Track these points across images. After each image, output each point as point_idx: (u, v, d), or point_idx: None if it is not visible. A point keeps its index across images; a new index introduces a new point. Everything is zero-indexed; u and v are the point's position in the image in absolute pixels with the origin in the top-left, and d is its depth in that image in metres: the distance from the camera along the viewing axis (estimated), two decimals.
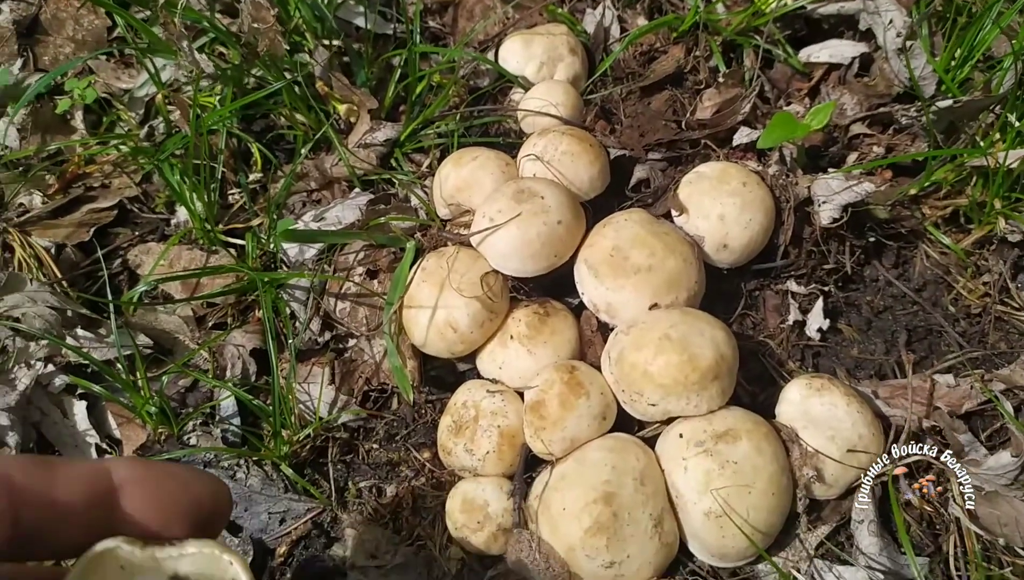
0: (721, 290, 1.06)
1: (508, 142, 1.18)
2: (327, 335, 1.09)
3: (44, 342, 1.02)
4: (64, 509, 0.47)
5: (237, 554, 0.50)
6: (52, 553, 0.49)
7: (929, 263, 1.10)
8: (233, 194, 1.21)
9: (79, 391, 1.06)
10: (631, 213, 1.01)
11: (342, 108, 1.20)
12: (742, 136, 1.06)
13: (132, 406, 1.01)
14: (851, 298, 1.09)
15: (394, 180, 1.18)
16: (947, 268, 1.09)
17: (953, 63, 1.09)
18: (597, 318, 1.00)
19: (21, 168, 1.25)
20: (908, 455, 0.91)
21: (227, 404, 1.05)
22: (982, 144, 1.04)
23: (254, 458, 1.01)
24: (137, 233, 1.21)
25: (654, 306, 0.95)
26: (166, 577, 0.48)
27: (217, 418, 1.05)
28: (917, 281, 1.09)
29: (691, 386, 0.88)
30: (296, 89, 1.18)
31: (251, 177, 1.21)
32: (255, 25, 1.14)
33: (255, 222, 1.15)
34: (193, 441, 1.04)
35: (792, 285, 1.05)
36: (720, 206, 0.99)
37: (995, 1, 1.05)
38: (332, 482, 1.02)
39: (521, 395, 0.97)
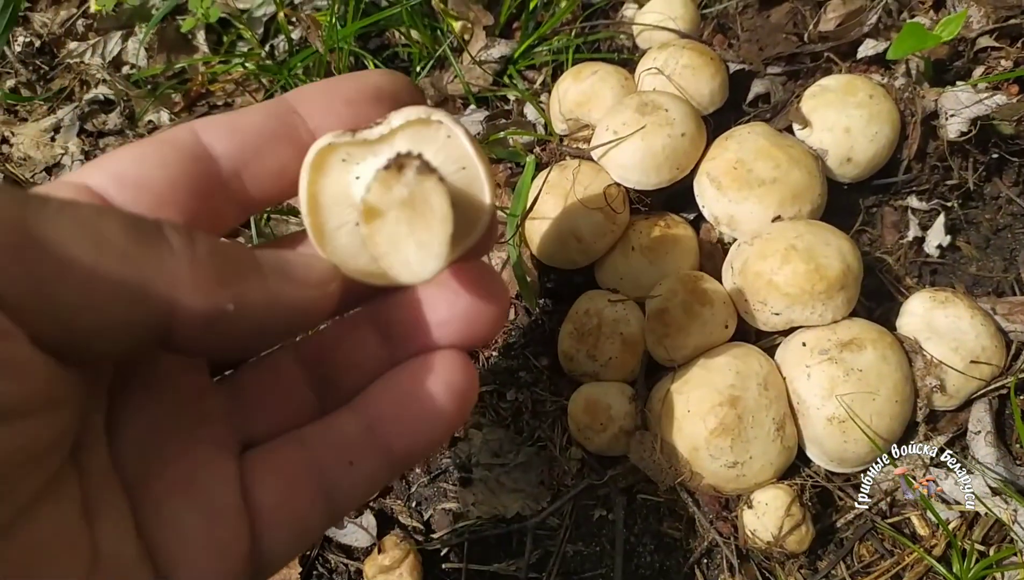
0: (839, 205, 1.06)
1: (622, 58, 1.19)
2: None
3: None
4: (254, 134, 0.49)
5: (444, 112, 0.49)
6: (261, 184, 0.51)
7: None
8: None
9: None
10: (754, 126, 1.02)
11: (456, 25, 1.21)
12: (867, 48, 1.05)
13: None
14: (970, 215, 1.08)
15: (509, 97, 1.20)
16: None
17: None
18: (717, 231, 1.01)
19: (149, 86, 1.31)
20: None
21: None
22: None
23: None
24: None
25: (777, 218, 0.96)
26: (386, 159, 0.47)
27: None
28: None
29: (817, 295, 0.90)
30: (414, 7, 1.20)
31: None
32: None
33: None
34: None
35: (913, 201, 1.05)
36: (846, 119, 0.99)
37: None
38: None
39: (641, 305, 1.00)
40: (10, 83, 1.34)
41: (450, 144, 0.49)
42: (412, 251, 0.47)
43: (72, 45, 1.33)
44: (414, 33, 1.22)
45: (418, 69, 1.20)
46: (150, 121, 1.28)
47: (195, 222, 0.47)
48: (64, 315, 0.36)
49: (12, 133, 1.27)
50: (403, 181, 0.46)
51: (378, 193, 0.47)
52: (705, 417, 0.88)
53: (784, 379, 0.92)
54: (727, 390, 0.89)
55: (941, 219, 1.04)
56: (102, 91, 1.30)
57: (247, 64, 1.26)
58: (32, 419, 0.36)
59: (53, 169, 1.23)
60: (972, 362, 0.90)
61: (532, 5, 1.21)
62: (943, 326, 0.92)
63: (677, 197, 1.06)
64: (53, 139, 1.26)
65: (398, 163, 0.46)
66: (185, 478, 0.47)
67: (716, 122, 1.08)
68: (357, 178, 0.50)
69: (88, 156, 1.24)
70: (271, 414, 0.53)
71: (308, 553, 0.99)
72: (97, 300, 0.37)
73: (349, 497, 0.53)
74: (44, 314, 0.35)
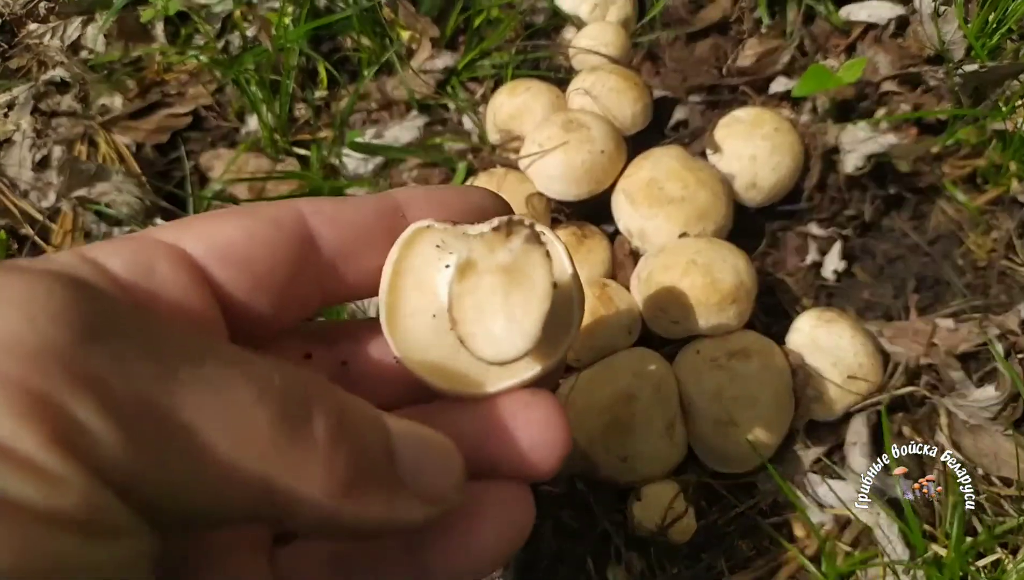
0: (747, 228, 1.14)
1: (559, 77, 1.26)
2: None
3: (127, 229, 1.13)
4: (359, 227, 0.48)
5: (547, 228, 0.47)
6: (355, 278, 0.49)
7: (944, 218, 1.17)
8: (300, 109, 1.30)
9: None
10: (669, 149, 1.09)
11: (405, 34, 1.28)
12: (779, 85, 1.14)
13: None
14: (867, 245, 1.17)
15: (449, 105, 1.26)
16: (960, 224, 1.16)
17: (985, 28, 1.15)
18: (630, 243, 1.09)
19: (106, 72, 1.35)
20: (902, 386, 1.00)
21: None
22: (1004, 109, 1.11)
23: None
24: (209, 139, 1.32)
25: (683, 235, 1.04)
26: (497, 221, 0.45)
27: None
28: (931, 234, 1.17)
29: (712, 307, 0.97)
30: (364, 14, 1.26)
31: (316, 94, 1.30)
32: None
33: (321, 135, 1.24)
34: None
35: (813, 228, 1.13)
36: (752, 148, 1.07)
37: None
38: None
39: None
40: None
41: (555, 269, 0.45)
42: (501, 324, 0.43)
43: (32, 26, 1.37)
44: (364, 39, 1.28)
45: (365, 73, 1.26)
46: (103, 105, 1.33)
47: (285, 304, 0.46)
48: (174, 493, 0.32)
49: None
50: (509, 245, 0.43)
51: (480, 252, 0.44)
52: (602, 412, 0.95)
53: (679, 383, 0.99)
54: (624, 389, 0.95)
55: (838, 246, 1.13)
56: (59, 73, 1.34)
57: (202, 57, 1.31)
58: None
59: (3, 144, 1.27)
60: (849, 377, 0.98)
61: (477, 22, 1.28)
62: (826, 343, 1.00)
63: (597, 210, 1.13)
64: (6, 115, 1.30)
65: (509, 226, 0.43)
66: None
67: (638, 143, 1.15)
68: (447, 266, 0.47)
69: (40, 134, 1.28)
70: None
71: None
72: (220, 489, 0.32)
73: None
74: (151, 485, 0.31)
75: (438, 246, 0.47)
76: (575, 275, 0.50)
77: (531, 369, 0.48)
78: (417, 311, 0.48)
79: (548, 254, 0.43)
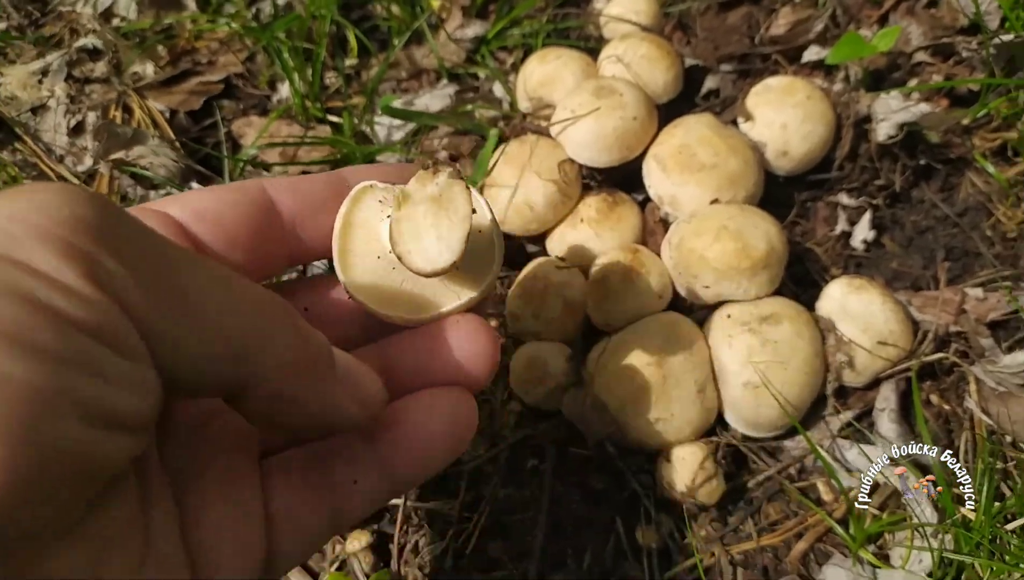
0: (776, 197, 1.14)
1: (589, 47, 1.26)
2: None
3: (163, 192, 1.15)
4: (312, 194, 0.61)
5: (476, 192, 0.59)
6: (311, 239, 0.61)
7: (973, 191, 1.17)
8: (330, 77, 1.31)
9: None
10: (700, 117, 1.10)
11: (435, 3, 1.29)
12: (811, 54, 1.14)
13: None
14: (896, 216, 1.17)
15: (480, 74, 1.27)
16: (989, 196, 1.16)
17: (1020, 0, 1.14)
18: (660, 210, 1.09)
19: (137, 39, 1.36)
20: (932, 354, 1.01)
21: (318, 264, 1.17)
22: None
23: None
24: (241, 107, 1.33)
25: (714, 201, 1.04)
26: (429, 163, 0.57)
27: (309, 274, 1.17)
28: (960, 206, 1.17)
29: (743, 272, 0.98)
30: None
31: (347, 63, 1.31)
32: None
33: (352, 102, 1.25)
34: None
35: (843, 197, 1.14)
36: (783, 116, 1.07)
37: None
38: None
39: (585, 273, 1.07)
40: (1, 25, 1.39)
41: (477, 214, 0.57)
42: (432, 242, 0.54)
43: None
44: (394, 7, 1.29)
45: (395, 42, 1.27)
46: (135, 72, 1.34)
47: (254, 262, 0.56)
48: (175, 340, 0.40)
49: (1, 73, 1.32)
50: (436, 181, 0.55)
51: (414, 186, 0.56)
52: (633, 374, 0.96)
53: (709, 347, 1.00)
54: (655, 351, 0.96)
55: (868, 216, 1.13)
56: (91, 40, 1.36)
57: (232, 24, 1.32)
58: (140, 435, 0.40)
59: (39, 110, 1.28)
60: (879, 343, 0.99)
61: None
62: (856, 309, 1.01)
63: (628, 178, 1.14)
64: (40, 82, 1.31)
65: (435, 166, 0.56)
66: (221, 483, 0.51)
67: (669, 112, 1.16)
68: (388, 217, 0.58)
69: (73, 100, 1.29)
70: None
71: None
72: (209, 342, 0.42)
73: (351, 513, 0.58)
74: (157, 330, 0.40)
75: (380, 201, 0.60)
76: (494, 221, 0.61)
77: (459, 299, 0.60)
78: (364, 254, 0.59)
79: (468, 187, 0.54)
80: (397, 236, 0.56)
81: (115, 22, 1.38)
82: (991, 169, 1.15)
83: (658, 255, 1.06)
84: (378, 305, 0.59)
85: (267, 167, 1.25)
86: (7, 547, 0.33)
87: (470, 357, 0.59)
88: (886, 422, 1.00)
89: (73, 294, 0.36)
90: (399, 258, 0.56)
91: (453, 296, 0.60)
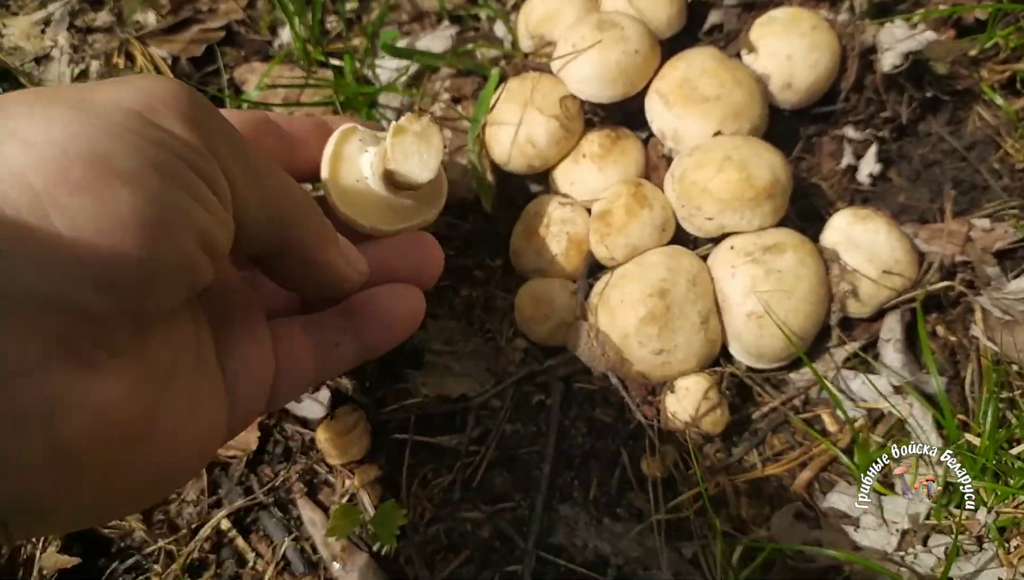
0: (781, 132, 1.13)
1: None
2: None
3: None
4: (305, 126, 0.79)
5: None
6: (304, 162, 0.78)
7: (981, 124, 1.16)
8: (331, 22, 1.30)
9: None
10: (703, 50, 1.09)
11: None
12: None
13: None
14: (903, 150, 1.16)
15: (481, 16, 1.26)
16: (997, 129, 1.15)
17: None
18: (663, 146, 1.09)
19: None
20: (938, 282, 1.01)
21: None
22: None
23: None
24: (242, 53, 1.32)
25: (718, 133, 1.03)
26: (415, 106, 0.81)
27: None
28: (968, 139, 1.16)
29: (747, 202, 0.97)
30: None
31: (347, 7, 1.30)
32: None
33: (354, 43, 1.24)
34: None
35: (849, 131, 1.13)
36: (789, 47, 1.06)
37: None
38: None
39: (589, 210, 1.07)
40: None
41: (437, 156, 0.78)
42: (416, 162, 0.76)
43: None
44: None
45: None
46: (137, 21, 1.34)
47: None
48: (252, 215, 0.54)
49: (4, 24, 1.32)
50: (420, 121, 0.76)
51: (405, 122, 0.76)
52: (636, 306, 0.96)
53: (712, 279, 1.00)
54: (658, 283, 0.96)
55: (874, 149, 1.12)
56: None
57: None
58: (214, 266, 0.51)
59: (42, 60, 1.28)
60: (884, 272, 0.98)
61: None
62: (861, 239, 1.00)
63: (631, 116, 1.13)
64: (43, 32, 1.31)
65: (419, 111, 0.78)
66: (244, 327, 0.64)
67: (672, 48, 1.14)
68: (366, 151, 0.80)
69: (76, 49, 1.29)
70: (282, 300, 0.75)
71: (267, 423, 1.07)
72: (267, 207, 0.56)
73: (332, 367, 0.74)
74: (243, 209, 0.53)
75: (360, 140, 0.80)
76: (442, 164, 0.82)
77: (419, 217, 0.83)
78: (348, 179, 0.78)
79: (441, 129, 0.78)
80: (392, 155, 0.75)
81: None
82: (1000, 101, 1.14)
83: (661, 190, 1.06)
84: (360, 218, 0.77)
85: (270, 110, 1.25)
86: (124, 314, 0.43)
87: (422, 263, 0.80)
88: (891, 352, 1.00)
89: (190, 146, 0.47)
90: (392, 173, 0.76)
91: (413, 214, 0.82)
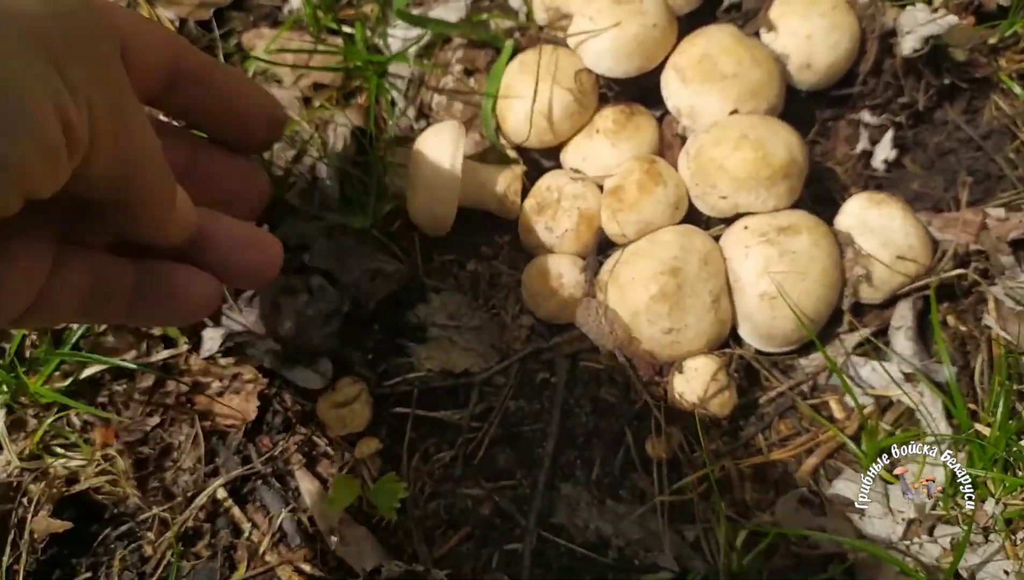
0: (797, 115, 1.11)
1: None
2: (423, 124, 1.18)
3: None
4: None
5: None
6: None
7: (998, 113, 1.15)
8: None
9: None
10: (723, 27, 1.07)
11: None
12: None
13: None
14: (919, 137, 1.15)
15: None
16: (1014, 119, 1.14)
17: None
18: (678, 124, 1.07)
19: None
20: (951, 270, 0.99)
21: (326, 171, 1.15)
22: None
23: (353, 226, 1.12)
24: (251, 18, 1.30)
25: (734, 112, 1.02)
26: None
27: (319, 187, 1.15)
28: (984, 128, 1.14)
29: (762, 181, 0.96)
30: None
31: None
32: None
33: (365, 10, 1.22)
34: (296, 202, 1.15)
35: (865, 115, 1.11)
36: (808, 26, 1.05)
37: None
38: (419, 253, 1.13)
39: (601, 186, 1.05)
40: None
41: None
42: None
43: None
44: None
45: None
46: None
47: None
48: (101, 161, 0.50)
49: None
50: None
51: None
52: (647, 283, 0.95)
53: (724, 259, 0.98)
54: (670, 261, 0.95)
55: (890, 134, 1.10)
56: None
57: None
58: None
59: None
60: (898, 257, 0.97)
61: None
62: (875, 223, 0.99)
63: (646, 94, 1.11)
64: None
65: None
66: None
67: (690, 25, 1.12)
68: None
69: None
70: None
71: (267, 392, 1.05)
72: (131, 140, 0.52)
73: (98, 318, 0.82)
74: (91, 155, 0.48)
75: None
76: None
77: None
78: None
79: None
80: None
81: None
82: (1017, 90, 1.12)
83: (675, 168, 1.04)
84: None
85: (278, 80, 1.23)
86: None
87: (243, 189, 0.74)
88: (902, 340, 0.99)
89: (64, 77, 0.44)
90: None
91: None
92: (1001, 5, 1.11)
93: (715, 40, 1.04)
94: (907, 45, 1.04)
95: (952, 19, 1.02)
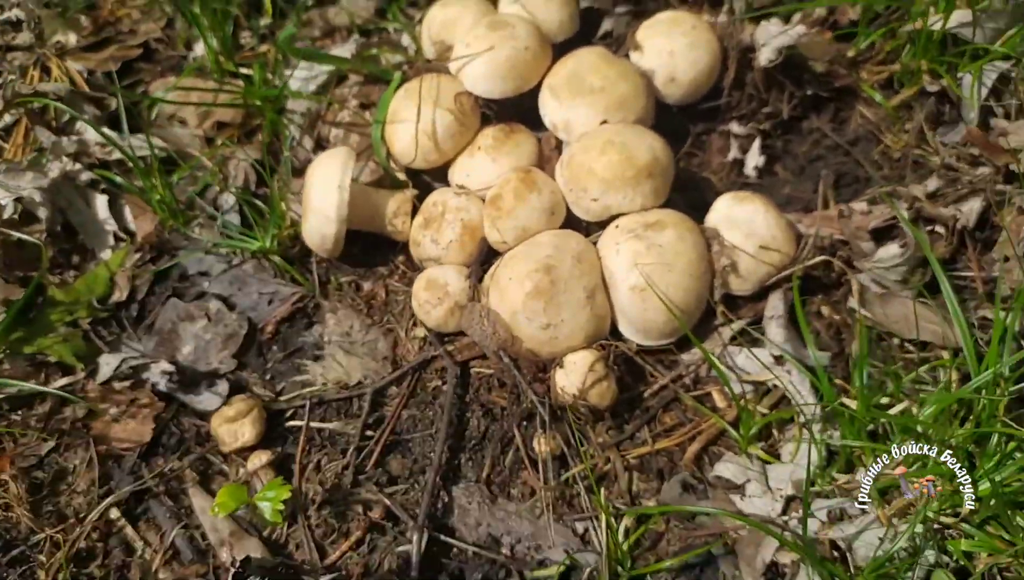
0: (672, 128, 1.18)
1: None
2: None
3: (75, 138, 1.17)
4: None
5: None
6: None
7: (863, 121, 1.22)
8: (245, 37, 1.35)
9: (102, 187, 1.21)
10: (592, 49, 1.14)
11: None
12: None
13: (144, 189, 1.15)
14: (789, 146, 1.21)
15: (390, 29, 1.31)
16: (878, 125, 1.21)
17: None
18: (556, 139, 1.13)
19: (59, 9, 1.40)
20: (815, 257, 1.04)
21: (228, 202, 1.19)
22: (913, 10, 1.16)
23: (250, 250, 1.16)
24: (159, 69, 1.36)
25: (604, 122, 1.08)
26: None
27: (220, 217, 1.19)
28: (851, 135, 1.21)
29: (628, 180, 1.01)
30: None
31: (262, 23, 1.35)
32: None
33: (262, 49, 1.29)
34: (196, 232, 1.18)
35: (734, 126, 1.18)
36: (671, 44, 1.12)
37: None
38: (316, 276, 1.16)
39: (483, 199, 1.10)
40: None
41: None
42: None
43: None
44: None
45: (309, 3, 1.31)
46: (58, 41, 1.37)
47: None
48: None
49: None
50: None
51: None
52: (523, 282, 0.98)
53: (600, 258, 1.03)
54: (543, 260, 0.99)
55: (757, 143, 1.17)
56: (15, 13, 1.39)
57: None
58: None
59: None
60: (762, 247, 1.02)
61: None
62: (740, 218, 1.04)
63: (526, 115, 1.17)
64: None
65: None
66: None
67: (567, 51, 1.19)
68: None
69: None
70: None
71: (163, 416, 1.06)
72: None
73: None
74: None
75: None
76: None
77: None
78: None
79: None
80: None
81: None
82: (878, 97, 1.19)
83: (554, 179, 1.10)
84: None
85: (183, 122, 1.29)
86: None
87: None
88: (774, 327, 1.03)
89: None
90: None
91: None
92: (852, 20, 1.20)
93: (583, 59, 1.11)
94: (763, 57, 1.12)
95: (801, 29, 1.10)
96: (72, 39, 1.38)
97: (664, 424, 1.03)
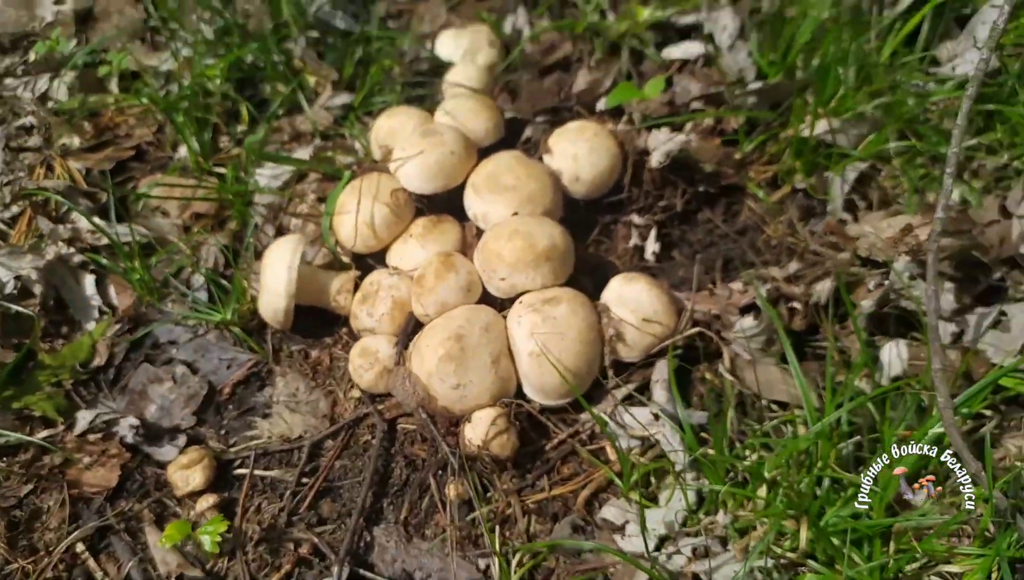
0: (581, 221, 1.37)
1: (434, 108, 1.52)
2: None
3: (70, 226, 1.37)
4: None
5: None
6: None
7: (750, 213, 1.40)
8: (224, 141, 1.57)
9: (91, 268, 1.40)
10: (509, 152, 1.34)
11: (312, 79, 1.56)
12: (602, 104, 1.39)
13: (126, 270, 1.34)
14: (685, 235, 1.39)
15: (346, 134, 1.53)
16: (763, 217, 1.39)
17: (773, 56, 1.42)
18: (477, 227, 1.32)
19: (67, 116, 1.63)
20: (692, 329, 1.21)
21: (198, 281, 1.38)
22: (793, 119, 1.36)
23: (213, 321, 1.34)
24: (149, 167, 1.57)
25: (515, 214, 1.27)
26: None
27: (190, 294, 1.38)
28: (740, 225, 1.39)
29: (529, 263, 1.19)
30: (280, 66, 1.55)
31: (239, 129, 1.57)
32: (247, 6, 1.52)
33: (235, 151, 1.50)
34: (168, 307, 1.37)
35: (635, 217, 1.36)
36: (575, 148, 1.32)
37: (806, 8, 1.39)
38: (270, 344, 1.34)
39: (412, 278, 1.28)
40: None
41: None
42: None
43: (8, 81, 1.66)
44: (279, 85, 1.56)
45: (279, 112, 1.53)
46: (64, 143, 1.59)
47: None
48: None
49: None
50: None
51: None
52: (436, 348, 1.15)
53: (507, 330, 1.20)
54: (455, 329, 1.16)
55: (654, 232, 1.35)
56: (29, 120, 1.62)
57: (143, 99, 1.58)
58: None
59: None
60: (646, 320, 1.19)
61: (373, 72, 1.56)
62: (629, 296, 1.21)
63: (456, 209, 1.37)
64: None
65: None
66: None
67: (491, 153, 1.40)
68: None
69: (8, 164, 1.54)
70: None
71: (129, 466, 1.22)
72: None
73: None
74: None
75: None
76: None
77: None
78: None
79: None
80: None
81: (50, 104, 1.65)
82: (760, 193, 1.38)
83: (472, 262, 1.28)
84: None
85: (164, 212, 1.48)
86: None
87: None
88: (659, 390, 1.19)
89: None
90: None
91: None
92: (735, 129, 1.40)
93: (501, 161, 1.31)
94: (654, 159, 1.31)
95: (682, 137, 1.30)
96: (76, 142, 1.60)
97: (562, 474, 1.18)
